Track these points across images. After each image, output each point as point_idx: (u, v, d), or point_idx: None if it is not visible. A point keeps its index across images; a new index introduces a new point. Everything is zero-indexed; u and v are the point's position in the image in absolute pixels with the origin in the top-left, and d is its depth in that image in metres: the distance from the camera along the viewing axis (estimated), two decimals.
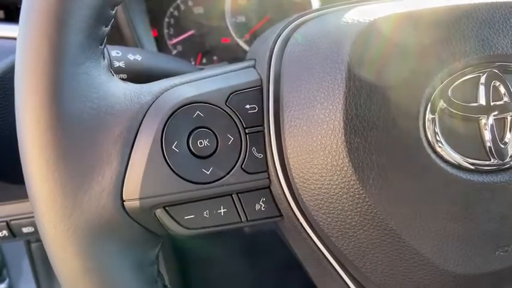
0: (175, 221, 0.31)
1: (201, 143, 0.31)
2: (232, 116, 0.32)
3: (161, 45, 0.70)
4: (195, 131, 0.31)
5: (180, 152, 0.31)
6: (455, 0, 0.33)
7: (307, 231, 0.33)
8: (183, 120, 0.31)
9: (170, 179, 0.30)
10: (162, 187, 0.30)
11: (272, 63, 0.34)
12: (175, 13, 0.71)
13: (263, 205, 0.33)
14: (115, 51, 0.44)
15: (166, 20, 0.71)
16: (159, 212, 0.31)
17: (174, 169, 0.30)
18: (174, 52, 0.71)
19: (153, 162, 0.30)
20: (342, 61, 0.30)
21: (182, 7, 0.71)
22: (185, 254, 0.68)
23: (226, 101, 0.32)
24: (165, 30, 0.71)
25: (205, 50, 0.71)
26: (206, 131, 0.32)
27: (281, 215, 0.34)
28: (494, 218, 0.32)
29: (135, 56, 0.45)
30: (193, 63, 0.72)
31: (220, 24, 0.72)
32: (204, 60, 0.72)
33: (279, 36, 0.35)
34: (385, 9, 0.32)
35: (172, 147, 0.30)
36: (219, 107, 0.32)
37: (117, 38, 0.57)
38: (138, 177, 0.29)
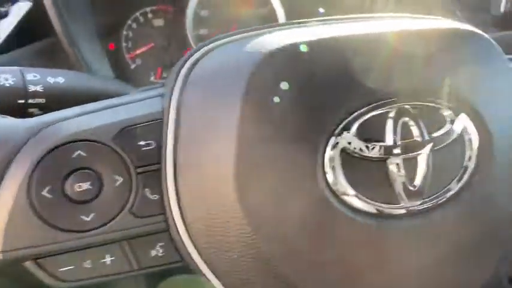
0: (49, 274, 0.28)
1: (80, 187, 0.28)
2: (122, 155, 0.29)
3: (119, 59, 0.68)
4: (74, 173, 0.28)
5: (53, 198, 0.28)
6: (364, 29, 0.29)
7: (209, 278, 0.30)
8: (59, 162, 0.28)
9: (39, 229, 0.27)
10: (30, 238, 0.27)
11: (174, 94, 0.31)
12: (134, 26, 0.68)
13: (160, 250, 0.30)
14: (32, 75, 0.41)
15: (125, 32, 0.68)
16: (29, 265, 0.28)
17: (44, 218, 0.27)
18: (133, 66, 0.69)
19: (18, 210, 0.27)
20: (236, 100, 0.27)
21: (141, 19, 0.68)
22: None
23: (114, 138, 0.29)
24: (123, 44, 0.68)
25: (166, 63, 0.68)
26: (88, 172, 0.29)
27: (182, 260, 0.31)
28: (407, 267, 0.28)
29: (55, 79, 0.42)
30: (152, 77, 0.69)
31: (182, 36, 0.69)
32: (165, 74, 0.69)
33: (183, 65, 0.32)
34: (286, 38, 0.29)
35: (43, 193, 0.27)
36: (105, 145, 0.29)
37: (61, 57, 0.55)
38: (0, 228, 0.27)
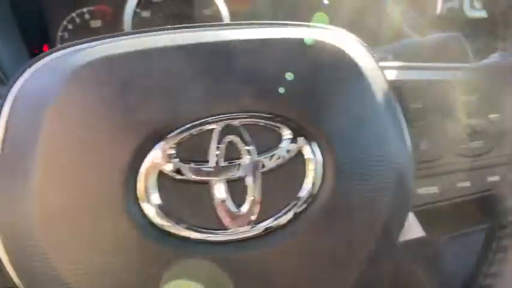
0: None
1: None
2: None
3: None
4: None
5: None
6: (208, 37, 0.25)
7: None
8: None
9: None
10: None
11: (4, 111, 0.27)
12: (70, 27, 0.65)
13: None
14: None
15: (60, 34, 0.65)
16: None
17: None
18: None
19: None
20: (43, 123, 0.24)
21: (77, 20, 0.65)
22: None
23: None
24: (58, 45, 0.65)
25: None
26: None
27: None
28: None
29: None
30: None
31: None
32: None
33: (16, 80, 0.28)
34: (107, 51, 0.25)
35: None
36: None
37: None
38: None
